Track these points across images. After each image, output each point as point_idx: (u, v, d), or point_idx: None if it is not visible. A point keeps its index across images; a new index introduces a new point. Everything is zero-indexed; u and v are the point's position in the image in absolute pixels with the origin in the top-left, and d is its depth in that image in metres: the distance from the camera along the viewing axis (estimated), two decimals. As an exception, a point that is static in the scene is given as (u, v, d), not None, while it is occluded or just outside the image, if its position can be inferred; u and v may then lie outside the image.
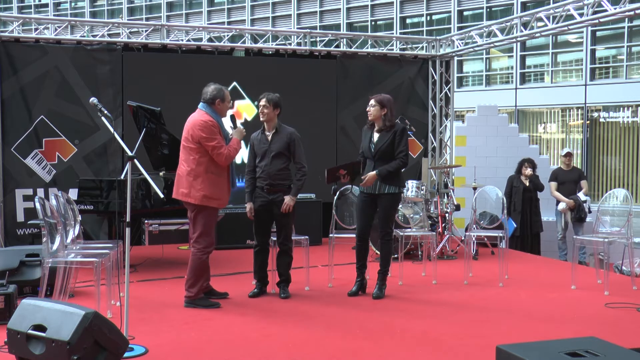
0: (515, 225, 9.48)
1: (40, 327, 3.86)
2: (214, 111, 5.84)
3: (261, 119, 6.15)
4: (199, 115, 5.81)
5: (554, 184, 9.68)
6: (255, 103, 9.82)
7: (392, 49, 11.06)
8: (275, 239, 6.30)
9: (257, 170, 6.17)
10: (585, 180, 9.82)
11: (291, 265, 6.30)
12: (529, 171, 9.55)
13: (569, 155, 9.85)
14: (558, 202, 9.59)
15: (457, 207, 9.15)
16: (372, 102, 6.16)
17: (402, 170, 6.26)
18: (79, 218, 6.26)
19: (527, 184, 9.63)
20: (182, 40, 10.12)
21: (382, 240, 6.25)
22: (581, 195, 9.43)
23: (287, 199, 6.08)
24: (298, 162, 6.18)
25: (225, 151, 5.73)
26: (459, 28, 20.63)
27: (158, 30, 9.62)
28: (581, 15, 8.06)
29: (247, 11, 26.70)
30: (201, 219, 5.78)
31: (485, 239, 8.60)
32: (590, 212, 9.40)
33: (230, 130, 6.10)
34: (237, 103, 9.77)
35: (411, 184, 8.56)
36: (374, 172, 6.05)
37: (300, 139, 6.23)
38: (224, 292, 6.19)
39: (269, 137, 6.12)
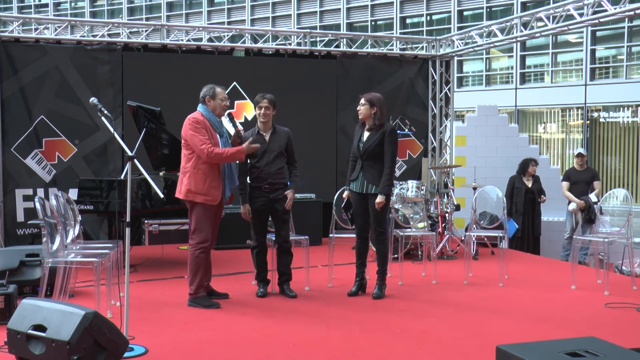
0: (517, 226, 9.46)
1: (40, 327, 3.86)
2: (207, 110, 5.87)
3: (262, 120, 6.14)
4: (190, 114, 5.88)
5: (565, 184, 9.62)
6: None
7: (392, 49, 11.06)
8: (274, 238, 6.31)
9: (252, 171, 6.16)
10: (599, 181, 9.75)
11: (291, 262, 6.35)
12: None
13: (580, 155, 9.79)
14: (570, 202, 9.55)
15: (457, 207, 9.15)
16: (361, 101, 6.17)
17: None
18: (79, 218, 6.26)
19: (530, 186, 9.63)
20: (182, 40, 10.12)
21: (377, 240, 6.27)
22: (592, 197, 9.37)
23: (291, 194, 6.17)
24: (295, 160, 6.30)
25: (206, 150, 5.64)
26: (459, 28, 20.63)
27: (158, 30, 9.62)
28: (581, 15, 8.06)
29: (247, 11, 26.70)
30: (193, 215, 5.82)
31: (485, 239, 8.60)
32: (602, 213, 9.36)
33: (231, 130, 6.10)
34: (237, 103, 9.77)
35: (411, 184, 8.56)
36: (380, 196, 6.02)
37: None
38: (224, 292, 6.19)
39: (267, 137, 6.14)
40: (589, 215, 9.29)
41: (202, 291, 5.90)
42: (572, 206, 9.43)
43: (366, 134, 6.17)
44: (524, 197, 9.57)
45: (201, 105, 5.91)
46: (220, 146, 5.83)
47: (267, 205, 6.15)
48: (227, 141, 5.98)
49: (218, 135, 5.86)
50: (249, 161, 6.17)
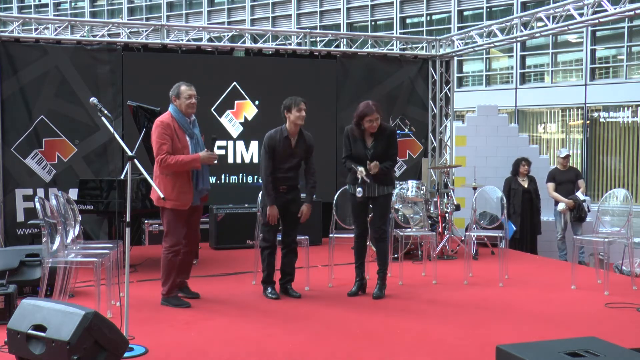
0: (515, 228, 9.45)
1: (40, 327, 3.86)
2: (176, 109, 5.78)
3: (299, 122, 6.03)
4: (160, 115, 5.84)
5: (551, 185, 9.65)
6: (256, 103, 9.83)
7: (392, 49, 11.07)
8: (278, 238, 6.29)
9: (275, 172, 6.10)
10: (582, 180, 9.80)
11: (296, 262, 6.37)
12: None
13: (568, 157, 9.83)
14: (557, 202, 9.58)
15: (457, 207, 9.15)
16: (375, 115, 5.96)
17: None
18: (79, 218, 6.25)
19: (526, 186, 9.62)
20: (182, 40, 10.12)
21: (379, 239, 6.26)
22: (580, 195, 9.41)
23: (306, 209, 6.16)
24: (313, 167, 6.25)
25: (159, 159, 5.59)
26: (459, 28, 20.63)
27: (158, 30, 9.62)
28: (581, 15, 8.06)
29: (247, 11, 26.71)
30: (165, 219, 5.77)
31: (485, 239, 8.60)
32: (589, 211, 9.40)
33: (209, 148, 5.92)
34: (237, 103, 9.78)
35: (411, 184, 8.56)
36: (378, 164, 5.97)
37: None
38: (196, 292, 6.14)
39: (293, 142, 6.10)
40: (579, 214, 9.31)
41: (174, 292, 5.88)
42: (561, 206, 9.44)
43: (370, 140, 6.11)
44: (521, 198, 9.56)
45: (171, 105, 5.81)
46: (189, 148, 5.73)
47: (282, 206, 6.12)
48: (197, 142, 5.84)
49: (188, 137, 5.75)
50: (276, 162, 6.09)
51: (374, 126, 6.03)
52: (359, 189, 6.02)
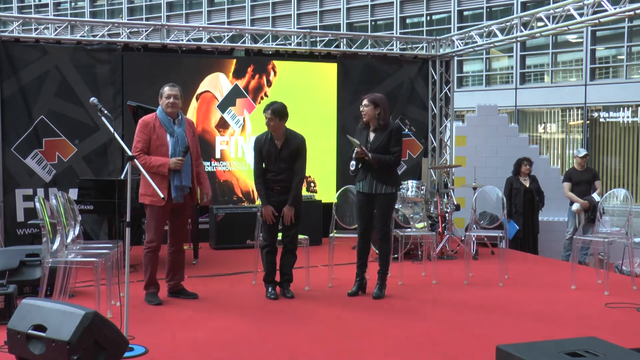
0: (517, 227, 9.44)
1: (40, 327, 3.85)
2: (160, 109, 5.95)
3: (269, 130, 6.12)
4: None
5: (567, 185, 9.56)
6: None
7: (392, 49, 11.06)
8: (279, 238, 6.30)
9: (266, 173, 6.15)
10: (599, 181, 9.72)
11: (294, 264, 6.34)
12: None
13: (585, 156, 9.76)
14: (572, 202, 9.50)
15: (457, 207, 9.15)
16: (365, 102, 6.14)
17: (396, 168, 6.32)
18: (79, 218, 6.25)
19: (528, 185, 9.62)
20: (182, 40, 10.11)
21: (381, 240, 6.25)
22: (595, 196, 9.33)
23: (286, 211, 6.10)
24: (301, 170, 6.19)
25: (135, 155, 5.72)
26: (459, 28, 20.62)
27: (158, 30, 9.62)
28: (581, 15, 8.06)
29: (247, 11, 26.70)
30: (146, 215, 5.95)
31: (485, 239, 8.60)
32: (604, 212, 9.33)
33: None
34: (238, 100, 9.78)
35: (411, 184, 8.56)
36: (370, 155, 6.00)
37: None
38: (194, 293, 6.17)
39: (279, 145, 6.12)
40: (593, 215, 9.24)
41: (151, 288, 5.94)
42: (576, 207, 9.37)
43: (372, 135, 6.15)
44: (523, 197, 9.55)
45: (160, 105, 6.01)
46: (168, 146, 5.82)
47: (278, 206, 6.13)
48: (177, 142, 5.88)
49: (168, 135, 5.86)
50: (264, 164, 6.15)
51: (364, 113, 6.12)
52: (352, 162, 6.04)
